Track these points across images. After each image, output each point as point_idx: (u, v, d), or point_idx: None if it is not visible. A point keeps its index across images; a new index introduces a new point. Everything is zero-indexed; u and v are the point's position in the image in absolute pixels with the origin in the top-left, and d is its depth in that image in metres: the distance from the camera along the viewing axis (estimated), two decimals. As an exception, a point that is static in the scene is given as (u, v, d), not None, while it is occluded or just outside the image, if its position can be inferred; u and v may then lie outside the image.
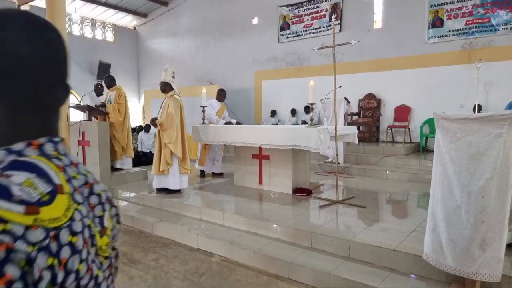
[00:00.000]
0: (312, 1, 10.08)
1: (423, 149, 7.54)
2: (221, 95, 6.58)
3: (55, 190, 0.51)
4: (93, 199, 0.62)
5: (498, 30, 7.48)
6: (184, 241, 3.96)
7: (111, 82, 6.25)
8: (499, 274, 2.30)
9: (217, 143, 5.67)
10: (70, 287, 0.50)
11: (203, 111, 5.80)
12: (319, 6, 9.95)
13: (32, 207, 0.46)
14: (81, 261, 0.51)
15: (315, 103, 4.56)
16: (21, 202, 0.46)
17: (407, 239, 3.22)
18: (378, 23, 9.07)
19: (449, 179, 2.43)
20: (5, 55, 0.53)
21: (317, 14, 10.01)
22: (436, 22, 8.15)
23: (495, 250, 2.28)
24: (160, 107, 5.07)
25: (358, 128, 8.10)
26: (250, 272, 3.26)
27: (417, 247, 2.90)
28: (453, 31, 7.98)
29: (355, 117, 8.79)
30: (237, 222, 4.04)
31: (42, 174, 0.51)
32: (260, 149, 5.26)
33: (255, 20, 11.23)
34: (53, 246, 0.47)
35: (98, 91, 6.60)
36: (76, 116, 6.74)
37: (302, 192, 4.99)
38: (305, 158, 5.39)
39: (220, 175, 6.59)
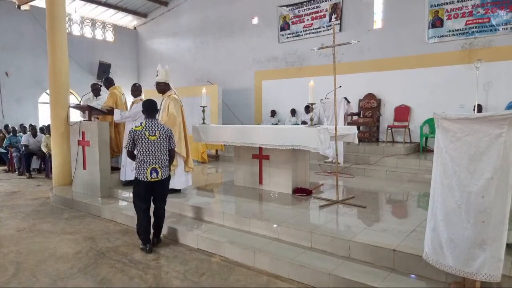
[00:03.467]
0: (312, 1, 10.08)
1: (423, 149, 7.54)
2: (131, 91, 5.91)
3: (140, 124, 3.76)
4: (159, 131, 3.77)
5: (498, 30, 7.49)
6: (184, 241, 3.97)
7: (108, 84, 6.34)
8: (499, 274, 2.30)
9: (217, 143, 5.59)
10: (138, 144, 3.73)
11: (203, 111, 5.80)
12: (319, 6, 9.96)
13: (136, 127, 3.76)
14: (139, 137, 3.70)
15: (315, 103, 4.55)
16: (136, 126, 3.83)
17: (407, 239, 3.23)
18: (378, 23, 9.08)
19: (449, 179, 2.43)
20: (145, 107, 3.90)
21: (317, 14, 10.02)
22: (436, 22, 8.16)
23: (495, 250, 2.28)
24: (160, 108, 5.03)
25: (358, 128, 8.11)
26: (250, 272, 3.26)
27: (417, 247, 2.91)
28: (453, 31, 7.98)
29: (355, 117, 8.79)
30: (237, 222, 4.04)
31: (141, 123, 3.80)
32: (260, 149, 5.26)
33: (255, 20, 11.23)
34: (135, 132, 3.71)
35: (96, 91, 6.55)
36: (76, 116, 6.73)
37: (302, 192, 4.99)
38: (305, 158, 5.39)
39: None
